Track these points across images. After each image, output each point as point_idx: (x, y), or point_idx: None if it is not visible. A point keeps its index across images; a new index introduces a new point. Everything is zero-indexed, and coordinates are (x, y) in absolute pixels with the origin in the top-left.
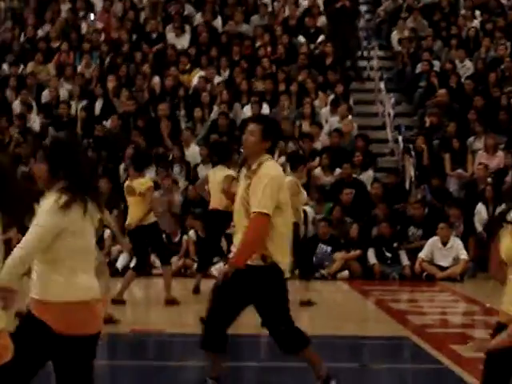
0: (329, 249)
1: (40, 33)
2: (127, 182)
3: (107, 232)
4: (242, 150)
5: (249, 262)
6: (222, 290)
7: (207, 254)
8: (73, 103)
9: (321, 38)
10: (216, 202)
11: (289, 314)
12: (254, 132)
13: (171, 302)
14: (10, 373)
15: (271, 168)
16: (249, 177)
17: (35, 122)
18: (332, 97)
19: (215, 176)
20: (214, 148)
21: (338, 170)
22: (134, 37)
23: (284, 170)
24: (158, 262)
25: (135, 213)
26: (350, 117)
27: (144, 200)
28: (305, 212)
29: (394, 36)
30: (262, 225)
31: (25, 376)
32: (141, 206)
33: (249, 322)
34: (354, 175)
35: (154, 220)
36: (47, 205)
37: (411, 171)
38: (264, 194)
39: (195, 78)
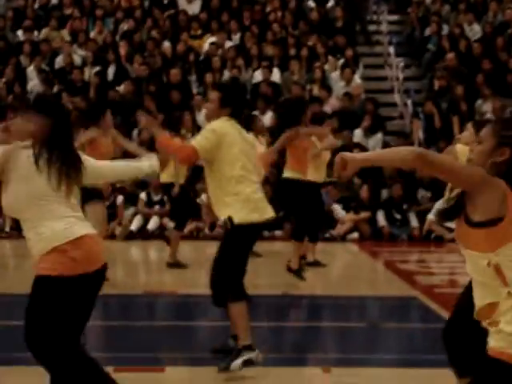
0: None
1: (53, 0)
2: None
3: (119, 198)
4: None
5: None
6: None
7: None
8: (86, 69)
9: (331, 2)
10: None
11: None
12: (212, 100)
13: (174, 264)
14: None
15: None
16: None
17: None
18: (342, 61)
19: None
20: None
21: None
22: (146, 3)
23: None
24: (171, 225)
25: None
26: (358, 80)
27: None
28: None
29: None
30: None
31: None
32: None
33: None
34: (362, 139)
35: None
36: None
37: (420, 134)
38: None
39: (206, 44)
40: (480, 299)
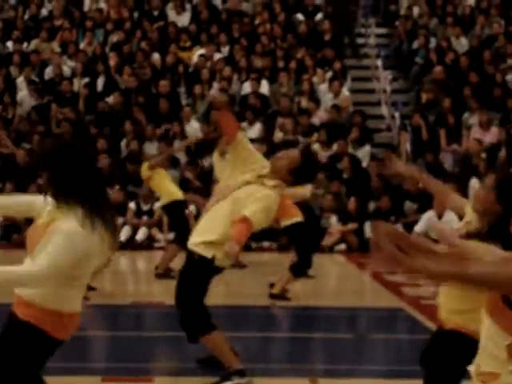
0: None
1: (43, 11)
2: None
3: None
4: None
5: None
6: None
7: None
8: (75, 80)
9: (319, 15)
10: None
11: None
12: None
13: (164, 275)
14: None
15: None
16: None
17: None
18: (330, 73)
19: None
20: None
21: (335, 146)
22: (136, 15)
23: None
24: (159, 236)
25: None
26: (346, 93)
27: None
28: None
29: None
30: None
31: None
32: None
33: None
34: (350, 151)
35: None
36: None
37: (407, 147)
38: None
39: (195, 56)
40: (484, 364)
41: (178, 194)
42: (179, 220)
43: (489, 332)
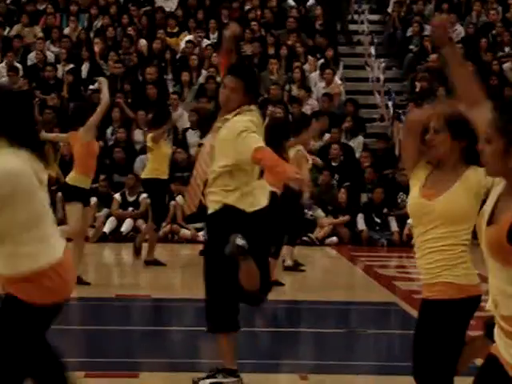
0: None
1: None
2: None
3: (93, 200)
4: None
5: None
6: None
7: None
8: (59, 66)
9: (311, 0)
10: None
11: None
12: (234, 89)
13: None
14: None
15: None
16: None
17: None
18: (322, 61)
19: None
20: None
21: (327, 135)
22: None
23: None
24: (144, 227)
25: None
26: (338, 81)
27: None
28: None
29: None
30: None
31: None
32: None
33: None
34: (343, 140)
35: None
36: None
37: (401, 137)
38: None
39: (183, 42)
40: (507, 309)
41: (163, 173)
42: (158, 199)
43: (506, 278)
